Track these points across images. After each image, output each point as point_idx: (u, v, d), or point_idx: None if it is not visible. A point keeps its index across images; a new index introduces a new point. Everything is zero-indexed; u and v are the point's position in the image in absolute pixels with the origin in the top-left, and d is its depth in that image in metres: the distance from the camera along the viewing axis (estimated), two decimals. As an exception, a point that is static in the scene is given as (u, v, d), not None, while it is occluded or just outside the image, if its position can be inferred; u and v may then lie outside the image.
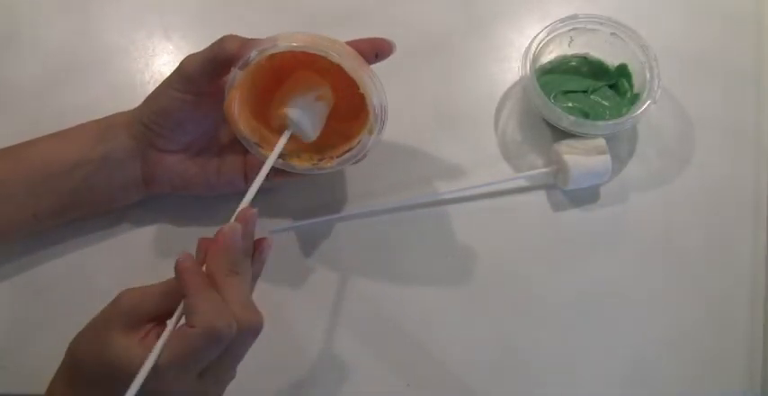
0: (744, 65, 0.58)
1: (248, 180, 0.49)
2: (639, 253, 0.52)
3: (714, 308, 0.51)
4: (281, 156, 0.45)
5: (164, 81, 0.45)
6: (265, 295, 0.51)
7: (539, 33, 0.53)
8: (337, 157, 0.45)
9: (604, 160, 0.51)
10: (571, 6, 0.58)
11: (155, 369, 0.34)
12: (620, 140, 0.55)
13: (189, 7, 0.60)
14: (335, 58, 0.41)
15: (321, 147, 0.46)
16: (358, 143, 0.45)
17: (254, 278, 0.41)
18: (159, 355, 0.35)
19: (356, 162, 0.46)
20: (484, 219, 0.53)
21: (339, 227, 0.53)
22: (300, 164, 0.46)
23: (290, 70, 0.45)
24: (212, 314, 0.35)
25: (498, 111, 0.56)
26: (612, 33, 0.53)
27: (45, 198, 0.46)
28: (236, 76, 0.42)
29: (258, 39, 0.43)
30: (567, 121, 0.51)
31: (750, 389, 0.50)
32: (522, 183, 0.54)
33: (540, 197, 0.54)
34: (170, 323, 0.36)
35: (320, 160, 0.46)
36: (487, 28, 0.59)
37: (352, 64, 0.42)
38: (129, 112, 0.47)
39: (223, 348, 0.36)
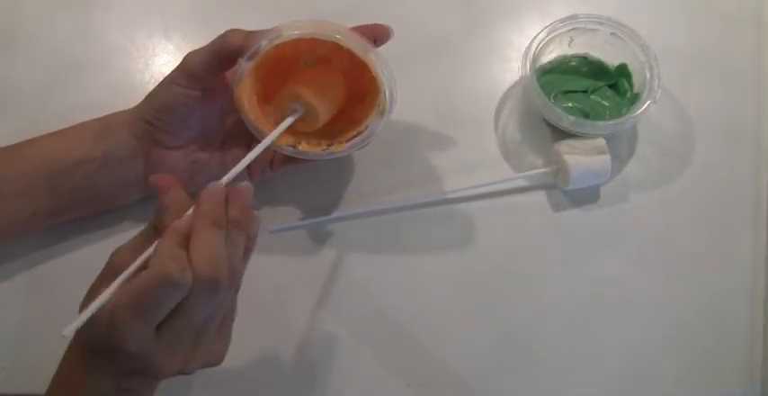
0: (744, 65, 0.58)
1: (252, 175, 0.49)
2: (639, 253, 0.52)
3: (714, 308, 0.51)
4: (291, 144, 0.45)
5: (165, 78, 0.45)
6: (266, 294, 0.51)
7: (539, 33, 0.53)
8: (347, 141, 0.46)
9: (604, 160, 0.51)
10: (571, 6, 0.58)
11: (110, 313, 0.34)
12: (620, 140, 0.55)
13: (189, 7, 0.60)
14: (344, 42, 0.42)
15: (329, 133, 0.47)
16: (366, 127, 0.45)
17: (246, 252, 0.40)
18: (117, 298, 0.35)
19: (364, 146, 0.46)
20: (484, 219, 0.53)
21: (339, 226, 0.53)
22: (311, 150, 0.46)
23: (292, 58, 0.45)
24: (167, 258, 0.35)
25: (498, 111, 0.56)
26: (612, 33, 0.53)
27: (45, 196, 0.46)
28: (245, 67, 0.42)
29: (261, 30, 0.43)
30: (567, 121, 0.51)
31: (750, 389, 0.50)
32: (522, 183, 0.54)
33: (540, 197, 0.54)
34: (132, 266, 0.36)
35: (330, 145, 0.46)
36: (487, 28, 0.59)
37: (359, 47, 0.42)
38: (129, 110, 0.47)
39: (177, 298, 0.35)
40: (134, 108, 0.47)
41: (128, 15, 0.59)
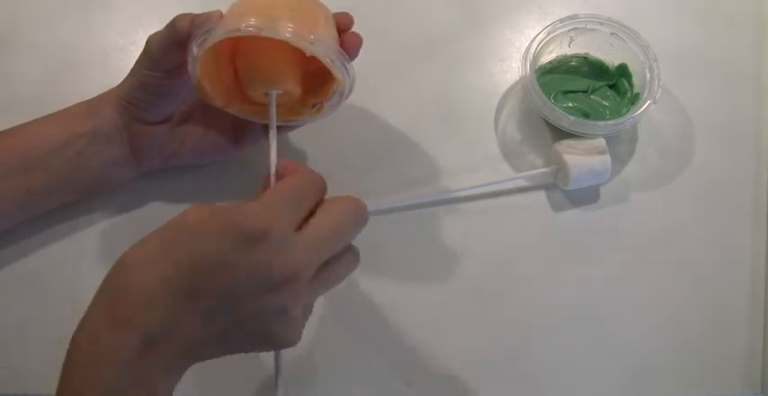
0: (744, 65, 0.58)
1: (237, 143, 0.50)
2: (639, 253, 0.52)
3: (714, 308, 0.51)
4: (282, 118, 0.46)
5: (138, 58, 0.46)
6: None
7: (539, 33, 0.53)
8: (327, 100, 0.46)
9: (604, 160, 0.51)
10: (571, 6, 0.58)
11: (264, 205, 0.35)
12: (620, 140, 0.55)
13: (188, 7, 0.59)
14: (278, 36, 0.40)
15: (307, 95, 0.47)
16: (339, 83, 0.44)
17: None
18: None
19: (347, 97, 0.46)
20: (484, 219, 0.53)
21: (339, 227, 0.53)
22: (300, 116, 0.47)
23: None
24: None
25: (498, 111, 0.56)
26: (612, 33, 0.53)
27: (38, 174, 0.46)
28: (197, 54, 0.42)
29: (207, 14, 0.43)
30: (567, 121, 0.51)
31: (750, 390, 0.50)
32: (522, 183, 0.54)
33: (540, 197, 0.54)
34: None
35: (314, 106, 0.47)
36: (487, 28, 0.59)
37: (294, 33, 0.41)
38: (114, 88, 0.48)
39: (320, 195, 0.38)
40: (117, 86, 0.48)
41: (127, 15, 0.59)
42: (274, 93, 0.44)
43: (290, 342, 0.37)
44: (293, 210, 0.36)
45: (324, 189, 0.38)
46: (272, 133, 0.43)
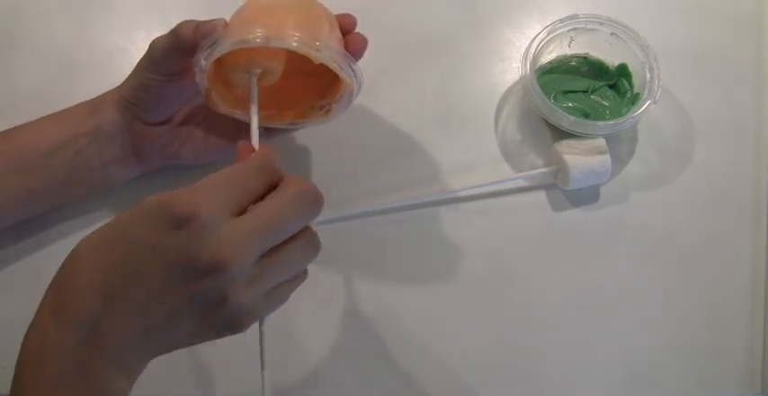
0: (744, 65, 0.58)
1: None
2: (639, 253, 0.52)
3: (714, 308, 0.51)
4: (291, 120, 0.47)
5: (140, 59, 0.45)
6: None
7: (539, 33, 0.53)
8: (335, 102, 0.46)
9: (604, 160, 0.51)
10: (571, 6, 0.58)
11: (195, 189, 0.34)
12: (620, 140, 0.55)
13: (188, 7, 0.60)
14: (286, 45, 0.41)
15: (315, 98, 0.47)
16: (347, 86, 0.44)
17: None
18: None
19: (355, 98, 0.46)
20: (484, 219, 0.53)
21: (338, 227, 0.53)
22: (309, 118, 0.47)
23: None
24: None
25: (498, 111, 0.56)
26: (612, 33, 0.53)
27: (39, 173, 0.47)
28: (204, 66, 0.42)
29: (212, 23, 0.42)
30: (567, 121, 0.51)
31: (750, 390, 0.50)
32: (522, 183, 0.54)
33: (540, 197, 0.54)
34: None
35: (322, 108, 0.47)
36: (487, 28, 0.59)
37: (300, 41, 0.41)
38: (116, 88, 0.48)
39: (267, 181, 0.35)
40: (119, 86, 0.48)
41: (127, 16, 0.59)
42: (254, 73, 0.43)
43: (238, 331, 0.36)
44: (229, 195, 0.34)
45: (272, 173, 0.36)
46: (254, 111, 0.41)
